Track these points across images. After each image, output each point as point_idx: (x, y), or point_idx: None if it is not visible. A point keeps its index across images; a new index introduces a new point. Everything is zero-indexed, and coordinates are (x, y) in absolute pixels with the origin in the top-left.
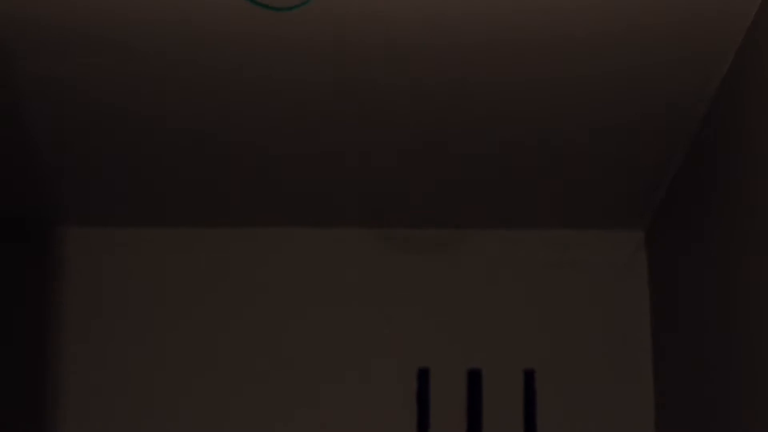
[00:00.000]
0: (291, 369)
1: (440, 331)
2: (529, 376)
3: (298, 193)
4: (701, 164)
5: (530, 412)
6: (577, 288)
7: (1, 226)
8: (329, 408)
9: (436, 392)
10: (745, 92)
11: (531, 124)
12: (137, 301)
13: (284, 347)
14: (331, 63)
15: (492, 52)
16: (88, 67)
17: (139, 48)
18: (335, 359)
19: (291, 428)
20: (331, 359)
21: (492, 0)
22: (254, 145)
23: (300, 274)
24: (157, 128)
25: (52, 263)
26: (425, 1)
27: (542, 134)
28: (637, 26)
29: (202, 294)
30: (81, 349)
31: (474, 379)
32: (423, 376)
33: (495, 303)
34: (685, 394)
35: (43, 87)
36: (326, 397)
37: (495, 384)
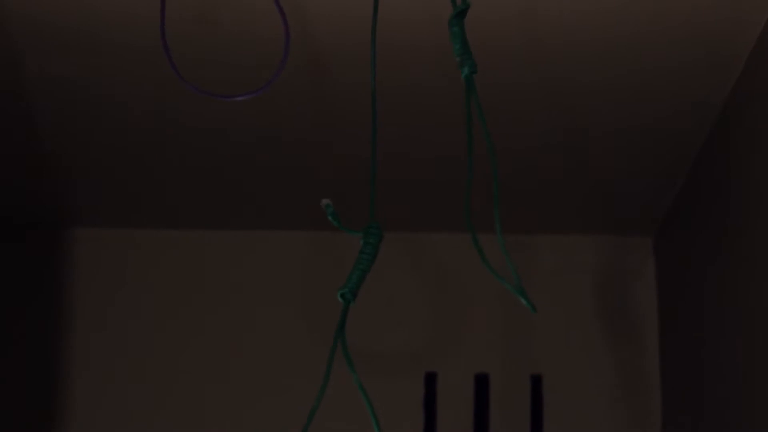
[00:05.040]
0: (298, 373)
1: (447, 335)
2: (536, 381)
3: (306, 196)
4: (711, 170)
5: (537, 417)
6: (585, 293)
7: (6, 226)
8: (335, 411)
9: (443, 397)
10: (757, 98)
11: (537, 128)
12: (145, 303)
13: (292, 351)
14: (333, 64)
15: (502, 54)
16: (89, 67)
17: (140, 48)
18: (341, 363)
19: None
20: (336, 362)
21: (511, 1)
22: (259, 146)
23: (306, 278)
24: (159, 128)
25: (54, 264)
26: (438, 3)
27: (546, 139)
28: (645, 31)
29: (216, 297)
30: (88, 350)
31: (481, 383)
32: (430, 380)
33: (502, 307)
34: (693, 400)
35: (46, 87)
36: (332, 401)
37: (502, 389)
